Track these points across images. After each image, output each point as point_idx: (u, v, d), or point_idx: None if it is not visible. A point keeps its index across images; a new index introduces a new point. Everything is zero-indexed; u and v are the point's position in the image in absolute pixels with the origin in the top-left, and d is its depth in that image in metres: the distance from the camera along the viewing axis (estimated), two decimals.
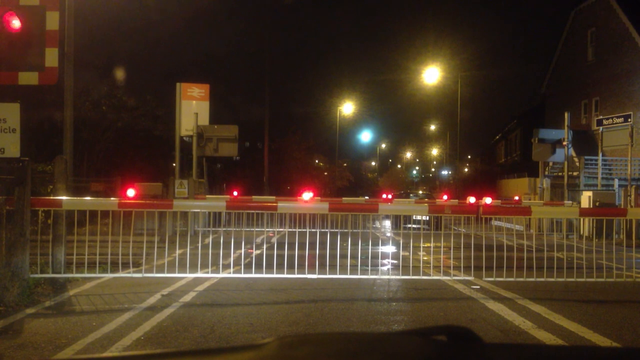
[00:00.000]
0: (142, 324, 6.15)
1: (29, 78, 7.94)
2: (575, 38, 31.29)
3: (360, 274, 8.70)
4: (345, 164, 57.02)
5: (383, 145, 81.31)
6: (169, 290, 7.94)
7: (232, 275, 8.73)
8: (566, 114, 20.56)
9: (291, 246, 8.81)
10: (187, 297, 7.55)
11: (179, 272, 8.43)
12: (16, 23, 7.71)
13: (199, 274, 8.55)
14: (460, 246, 8.69)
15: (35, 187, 8.49)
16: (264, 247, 8.63)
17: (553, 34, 32.65)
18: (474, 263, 8.65)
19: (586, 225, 11.82)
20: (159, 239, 9.99)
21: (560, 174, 23.48)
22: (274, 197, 19.50)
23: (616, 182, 21.26)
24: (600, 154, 21.44)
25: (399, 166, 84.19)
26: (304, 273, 8.47)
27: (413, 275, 8.64)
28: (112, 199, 9.09)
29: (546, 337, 5.86)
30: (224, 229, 12.88)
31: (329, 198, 21.72)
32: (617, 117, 20.86)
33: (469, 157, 65.90)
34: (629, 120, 19.99)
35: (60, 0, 8.39)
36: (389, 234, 10.00)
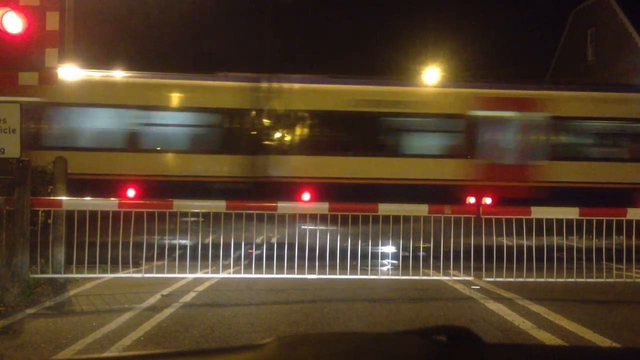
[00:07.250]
0: (142, 324, 6.15)
1: (29, 78, 7.93)
2: (575, 38, 31.24)
3: (360, 274, 8.70)
4: None
5: None
6: (169, 291, 7.94)
7: (232, 275, 8.73)
8: None
9: (291, 246, 8.80)
10: (187, 298, 7.56)
11: (179, 273, 8.43)
12: (16, 23, 7.71)
13: (199, 274, 8.54)
14: (460, 246, 8.68)
15: (35, 187, 8.47)
16: (264, 247, 8.63)
17: (553, 34, 32.46)
18: (473, 264, 8.64)
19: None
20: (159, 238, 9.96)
21: None
22: None
23: None
24: None
25: None
26: (304, 273, 8.46)
27: (413, 275, 8.64)
28: (112, 199, 9.06)
29: (546, 337, 5.87)
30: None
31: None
32: None
33: None
34: None
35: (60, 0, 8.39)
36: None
